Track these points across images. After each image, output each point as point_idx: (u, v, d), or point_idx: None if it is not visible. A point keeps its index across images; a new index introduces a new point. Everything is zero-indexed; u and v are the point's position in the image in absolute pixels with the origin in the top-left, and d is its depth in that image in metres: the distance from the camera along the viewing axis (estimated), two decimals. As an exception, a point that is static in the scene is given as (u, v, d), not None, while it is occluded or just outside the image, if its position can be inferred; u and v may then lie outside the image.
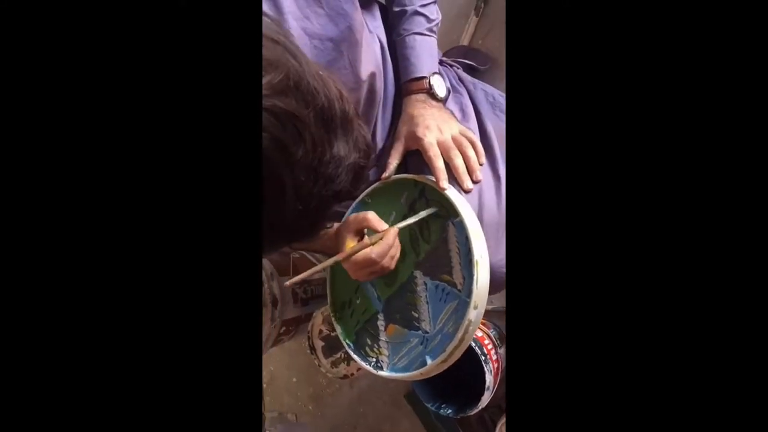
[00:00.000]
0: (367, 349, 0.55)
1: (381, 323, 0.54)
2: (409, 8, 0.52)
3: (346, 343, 0.56)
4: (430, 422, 0.93)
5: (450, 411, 0.76)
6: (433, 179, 0.48)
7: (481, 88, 0.64)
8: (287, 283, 0.45)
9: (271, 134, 0.28)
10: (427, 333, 0.49)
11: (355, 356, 0.55)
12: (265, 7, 0.42)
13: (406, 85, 0.54)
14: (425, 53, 0.53)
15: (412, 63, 0.52)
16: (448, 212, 0.48)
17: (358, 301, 0.57)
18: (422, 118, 0.52)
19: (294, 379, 1.16)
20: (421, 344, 0.49)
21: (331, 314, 0.59)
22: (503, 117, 0.60)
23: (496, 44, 0.85)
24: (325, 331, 0.90)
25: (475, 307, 0.44)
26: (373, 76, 0.50)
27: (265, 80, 0.28)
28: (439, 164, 0.49)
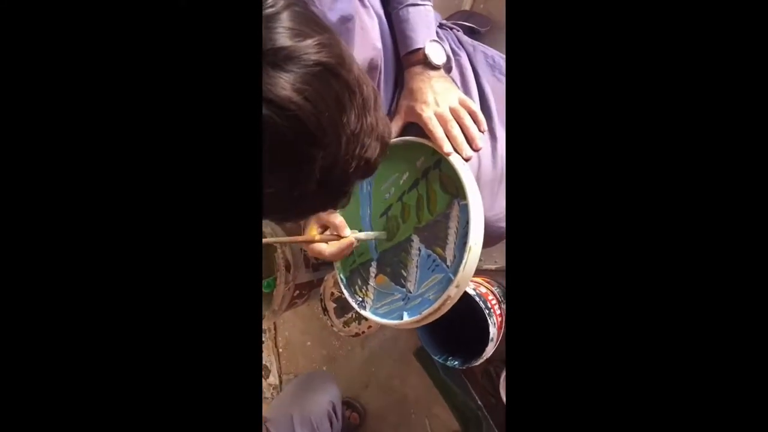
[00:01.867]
0: (357, 288, 0.60)
1: (373, 270, 0.58)
2: None
3: (340, 278, 0.61)
4: (438, 377, 0.98)
5: (456, 362, 0.81)
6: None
7: (480, 50, 0.65)
8: (265, 240, 0.52)
9: (315, 104, 0.30)
10: (411, 293, 0.53)
11: (344, 291, 0.60)
12: None
13: (405, 58, 0.55)
14: (420, 24, 0.53)
15: (408, 36, 0.53)
16: (457, 191, 0.50)
17: (357, 245, 0.61)
18: (420, 92, 0.53)
19: (308, 343, 1.22)
20: (403, 300, 0.54)
21: None
22: (502, 79, 0.62)
23: (498, 7, 0.86)
24: (337, 294, 0.94)
25: (457, 286, 0.47)
26: (372, 59, 0.52)
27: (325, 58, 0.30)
28: (440, 133, 0.51)
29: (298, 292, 0.99)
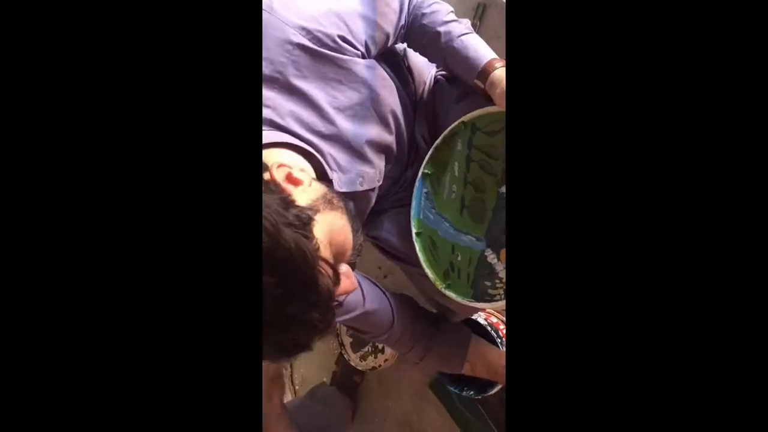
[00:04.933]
0: (490, 290, 0.55)
1: (492, 257, 0.56)
2: (438, 25, 0.58)
3: (467, 301, 0.57)
4: (455, 408, 0.99)
5: (472, 392, 0.83)
6: (478, 113, 0.56)
7: None
8: None
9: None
10: None
11: (478, 304, 0.56)
12: (296, 106, 0.52)
13: (486, 66, 0.57)
14: (480, 45, 0.58)
15: (473, 57, 0.57)
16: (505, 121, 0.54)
17: (459, 258, 0.59)
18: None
19: (324, 379, 1.23)
20: None
21: (441, 287, 0.60)
22: None
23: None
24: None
25: None
26: (398, 122, 0.59)
27: None
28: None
29: (315, 328, 1.03)
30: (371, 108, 0.57)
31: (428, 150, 0.69)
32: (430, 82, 0.71)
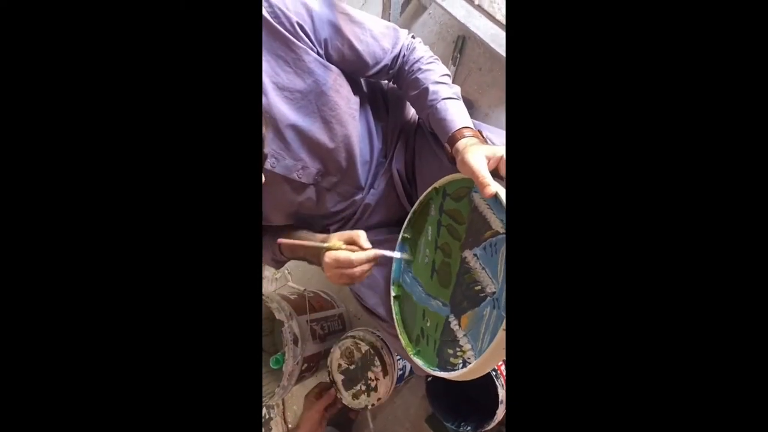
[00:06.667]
0: (452, 359, 0.53)
1: (454, 324, 0.54)
2: (428, 84, 0.61)
3: (432, 370, 0.55)
4: (452, 444, 0.96)
5: (469, 428, 0.80)
6: (448, 179, 0.56)
7: None
8: (280, 240, 0.53)
9: None
10: (494, 292, 0.50)
11: (441, 374, 0.53)
12: None
13: (455, 133, 0.59)
14: (458, 111, 0.60)
15: (449, 120, 0.59)
16: (469, 187, 0.54)
17: (428, 324, 0.58)
18: (478, 161, 0.55)
19: (318, 417, 1.20)
20: (494, 308, 0.49)
21: (410, 354, 0.59)
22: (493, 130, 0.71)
23: (474, 88, 0.95)
24: (344, 365, 0.95)
25: None
26: (347, 137, 0.59)
27: None
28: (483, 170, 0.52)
29: (306, 365, 1.00)
30: (314, 104, 0.57)
31: (403, 188, 0.69)
32: (414, 121, 0.72)
